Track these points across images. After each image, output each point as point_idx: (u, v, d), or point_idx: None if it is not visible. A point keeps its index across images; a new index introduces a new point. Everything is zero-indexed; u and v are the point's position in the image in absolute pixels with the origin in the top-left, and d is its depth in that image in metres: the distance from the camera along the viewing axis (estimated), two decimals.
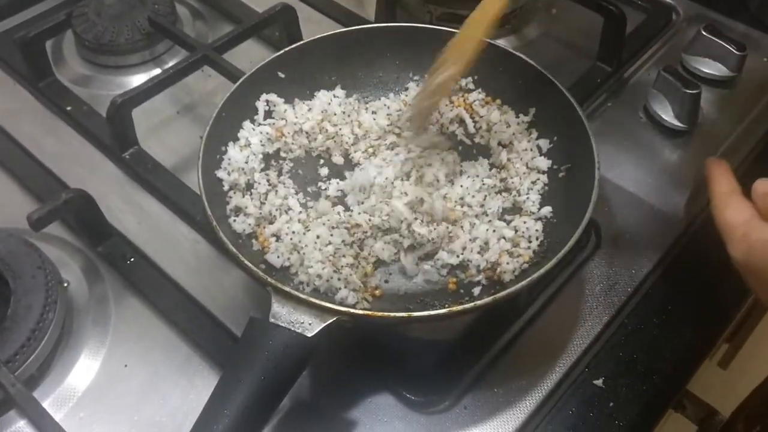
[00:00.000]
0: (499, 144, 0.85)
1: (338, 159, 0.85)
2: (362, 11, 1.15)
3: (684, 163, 0.94)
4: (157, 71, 1.05)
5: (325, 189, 0.82)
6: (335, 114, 0.87)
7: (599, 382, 0.75)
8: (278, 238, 0.76)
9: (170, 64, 1.06)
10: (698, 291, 0.83)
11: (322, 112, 0.87)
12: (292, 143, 0.85)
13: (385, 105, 0.90)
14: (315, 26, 1.10)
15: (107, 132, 0.94)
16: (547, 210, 0.79)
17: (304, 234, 0.75)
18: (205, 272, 0.83)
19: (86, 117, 0.99)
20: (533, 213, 0.79)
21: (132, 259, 0.84)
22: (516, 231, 0.77)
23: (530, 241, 0.76)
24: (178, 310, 0.79)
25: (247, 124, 0.84)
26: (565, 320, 0.79)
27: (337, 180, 0.83)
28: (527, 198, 0.80)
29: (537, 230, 0.77)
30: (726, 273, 0.83)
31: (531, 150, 0.84)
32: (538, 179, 0.82)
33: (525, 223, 0.77)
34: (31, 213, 0.78)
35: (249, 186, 0.80)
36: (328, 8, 1.15)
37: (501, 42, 1.07)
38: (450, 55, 0.79)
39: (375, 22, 1.08)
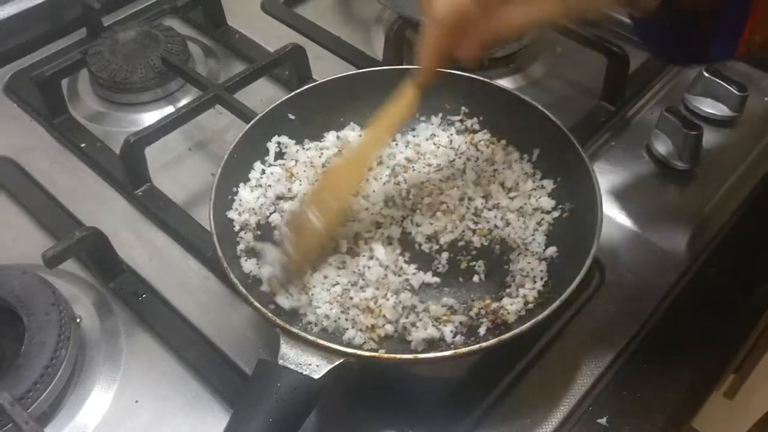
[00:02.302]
0: (502, 185, 0.87)
1: None
2: (370, 50, 1.17)
3: (686, 202, 0.96)
4: (169, 108, 1.07)
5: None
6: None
7: (603, 420, 0.76)
8: None
9: (182, 101, 1.08)
10: (701, 330, 0.83)
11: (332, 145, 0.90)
12: (303, 182, 0.86)
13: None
14: (324, 64, 1.13)
15: (120, 169, 0.96)
16: (552, 250, 0.80)
17: (312, 275, 0.76)
18: (215, 309, 0.84)
19: (100, 154, 1.01)
20: (537, 253, 0.80)
21: (143, 296, 0.85)
22: (521, 271, 0.78)
23: (535, 282, 0.77)
24: (189, 347, 0.81)
25: (257, 165, 0.86)
26: (569, 359, 0.80)
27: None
28: (533, 239, 0.82)
29: (542, 270, 0.78)
30: (729, 312, 0.85)
31: (535, 190, 0.86)
32: (543, 219, 0.84)
33: (529, 263, 0.79)
34: (45, 251, 0.79)
35: (259, 226, 0.82)
36: (337, 47, 1.17)
37: (505, 81, 1.10)
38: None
39: (383, 61, 1.11)
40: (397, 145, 0.92)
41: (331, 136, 0.91)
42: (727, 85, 1.01)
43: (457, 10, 0.67)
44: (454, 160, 0.90)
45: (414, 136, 0.93)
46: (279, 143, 0.88)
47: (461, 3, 0.66)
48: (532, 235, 0.82)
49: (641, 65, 1.13)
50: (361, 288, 0.76)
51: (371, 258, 0.79)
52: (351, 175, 0.81)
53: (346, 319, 0.72)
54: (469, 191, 0.86)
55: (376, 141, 0.81)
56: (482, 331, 0.74)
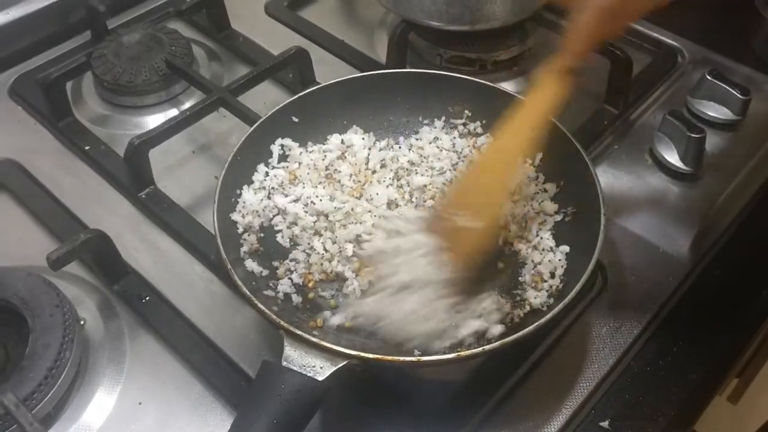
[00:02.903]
0: None
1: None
2: (373, 53, 1.17)
3: (689, 205, 0.96)
4: (173, 111, 1.08)
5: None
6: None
7: (605, 423, 0.76)
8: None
9: (186, 104, 1.08)
10: (704, 333, 0.84)
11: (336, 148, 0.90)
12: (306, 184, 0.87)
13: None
14: (328, 68, 1.13)
15: (124, 172, 0.96)
16: (564, 248, 0.81)
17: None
18: (219, 311, 0.85)
19: (104, 156, 1.01)
20: (551, 249, 0.81)
21: (147, 298, 0.85)
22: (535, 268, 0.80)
23: (553, 277, 0.79)
24: (192, 349, 0.81)
25: (261, 167, 0.86)
26: (572, 362, 0.80)
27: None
28: (540, 239, 0.82)
29: (559, 260, 0.79)
30: (733, 315, 0.85)
31: (538, 194, 0.86)
32: (545, 221, 0.84)
33: (544, 257, 0.80)
34: (50, 253, 0.80)
35: (263, 228, 0.82)
36: (340, 51, 1.17)
37: (508, 84, 1.10)
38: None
39: (386, 65, 1.11)
40: (400, 148, 0.92)
41: (334, 139, 0.91)
42: (730, 89, 1.02)
43: None
44: (457, 163, 0.90)
45: (417, 140, 0.93)
46: (282, 146, 0.89)
47: None
48: (537, 235, 0.82)
49: (644, 68, 1.13)
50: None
51: None
52: (503, 170, 0.80)
53: None
54: None
55: (524, 133, 0.79)
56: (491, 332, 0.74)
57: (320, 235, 0.82)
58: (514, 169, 0.82)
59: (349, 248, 0.80)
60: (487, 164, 0.82)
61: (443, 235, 0.76)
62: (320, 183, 0.87)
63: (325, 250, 0.81)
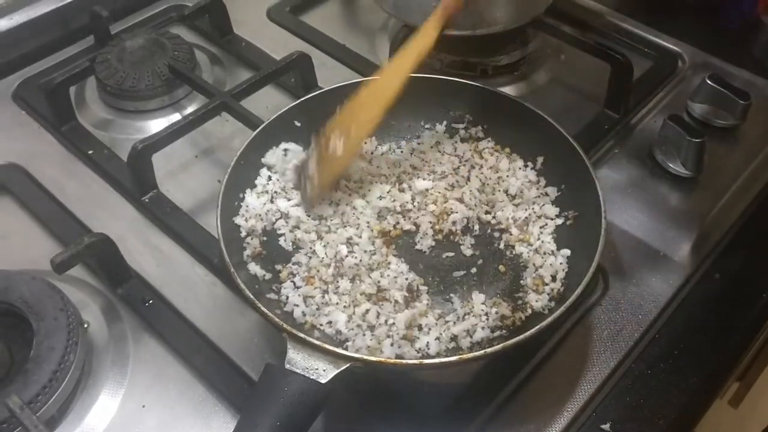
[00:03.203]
0: (506, 193, 0.88)
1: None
2: (375, 58, 1.18)
3: (690, 209, 0.96)
4: (176, 116, 1.08)
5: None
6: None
7: (606, 426, 0.76)
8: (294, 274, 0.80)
9: (189, 109, 1.09)
10: (705, 336, 0.84)
11: None
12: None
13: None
14: (330, 72, 1.13)
15: (127, 176, 0.97)
16: (565, 252, 0.81)
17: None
18: (222, 315, 0.85)
19: (107, 160, 1.01)
20: (553, 252, 0.81)
21: (150, 301, 0.86)
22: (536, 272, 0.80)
23: (554, 280, 0.79)
24: (195, 352, 0.81)
25: (264, 171, 0.87)
26: (573, 365, 0.81)
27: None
28: (541, 243, 0.82)
29: (561, 263, 0.80)
30: (733, 318, 0.85)
31: (539, 198, 0.86)
32: (546, 224, 0.84)
33: (545, 261, 0.80)
34: (54, 257, 0.80)
35: (266, 232, 0.83)
36: (342, 55, 1.18)
37: (509, 89, 1.10)
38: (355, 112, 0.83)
39: None
40: (402, 152, 0.93)
41: None
42: (730, 93, 1.02)
43: None
44: (458, 167, 0.90)
45: (419, 144, 0.93)
46: (286, 150, 0.89)
47: None
48: (539, 239, 0.83)
49: (645, 73, 1.14)
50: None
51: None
52: (372, 108, 0.83)
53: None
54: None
55: (398, 74, 0.84)
56: (489, 335, 0.75)
57: (321, 239, 0.82)
58: (381, 108, 0.84)
59: (344, 249, 0.81)
60: (363, 98, 0.85)
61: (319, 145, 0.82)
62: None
63: (326, 254, 0.81)
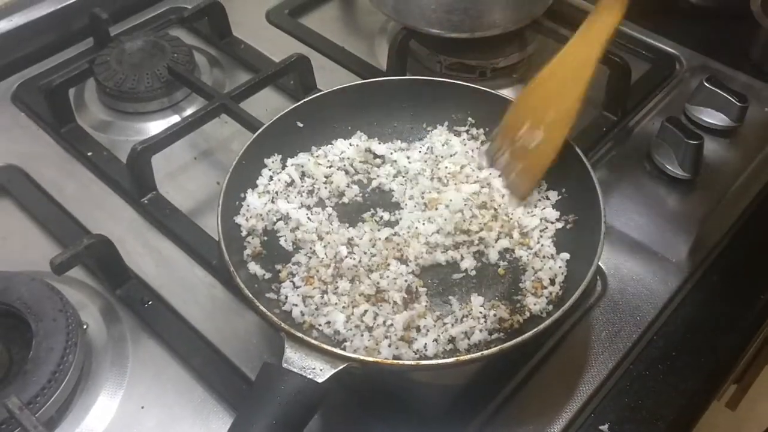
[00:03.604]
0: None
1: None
2: (374, 60, 1.18)
3: (688, 211, 0.96)
4: (175, 118, 1.09)
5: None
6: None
7: (605, 428, 0.76)
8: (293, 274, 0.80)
9: (188, 110, 1.09)
10: (702, 337, 0.84)
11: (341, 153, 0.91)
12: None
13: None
14: (329, 75, 1.14)
15: (127, 177, 0.97)
16: (564, 255, 0.81)
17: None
18: (220, 316, 0.85)
19: (106, 162, 1.02)
20: (552, 256, 0.82)
21: (149, 302, 0.86)
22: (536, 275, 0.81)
23: (553, 283, 0.79)
24: (194, 353, 0.81)
25: (265, 171, 0.87)
26: (571, 366, 0.81)
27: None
28: (541, 246, 0.82)
29: (560, 267, 0.80)
30: (731, 320, 0.86)
31: (540, 201, 0.87)
32: (547, 228, 0.85)
33: (545, 264, 0.80)
34: (53, 258, 0.80)
35: (266, 232, 0.83)
36: (341, 57, 1.18)
37: (508, 91, 1.10)
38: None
39: (386, 71, 1.12)
40: (405, 153, 0.93)
41: (339, 144, 0.92)
42: (727, 96, 1.02)
43: None
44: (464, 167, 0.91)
45: (422, 146, 0.93)
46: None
47: None
48: (538, 242, 0.83)
49: (642, 76, 1.14)
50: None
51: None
52: (570, 92, 0.82)
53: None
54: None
55: (589, 53, 0.82)
56: (485, 337, 0.75)
57: (321, 239, 0.83)
58: (582, 92, 0.82)
59: (343, 250, 0.81)
60: (552, 86, 0.83)
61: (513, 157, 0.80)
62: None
63: (326, 254, 0.81)
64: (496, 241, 0.83)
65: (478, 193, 0.87)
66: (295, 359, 0.67)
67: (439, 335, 0.74)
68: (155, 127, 1.07)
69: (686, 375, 0.81)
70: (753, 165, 1.02)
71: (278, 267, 0.81)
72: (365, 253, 0.81)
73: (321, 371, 0.66)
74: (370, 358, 0.69)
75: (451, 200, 0.84)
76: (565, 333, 0.83)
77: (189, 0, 1.25)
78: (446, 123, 0.95)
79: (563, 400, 0.78)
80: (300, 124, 0.90)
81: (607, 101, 1.07)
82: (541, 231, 0.84)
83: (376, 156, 0.92)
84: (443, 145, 0.92)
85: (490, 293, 0.81)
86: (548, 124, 0.81)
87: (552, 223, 0.85)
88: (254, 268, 0.79)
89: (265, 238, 0.83)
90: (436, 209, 0.84)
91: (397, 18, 1.12)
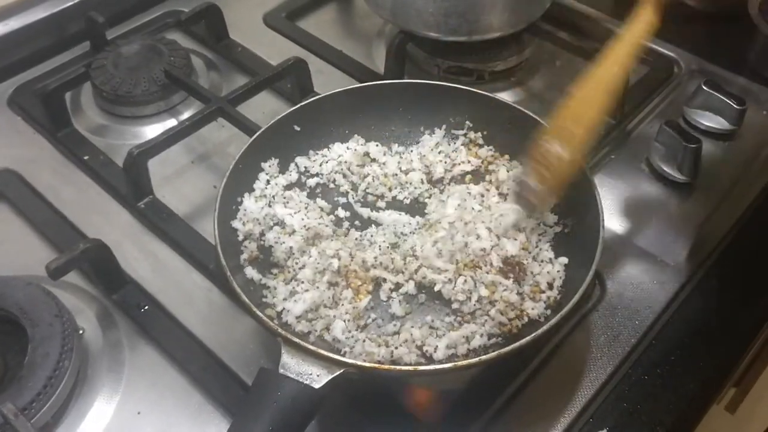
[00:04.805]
0: (506, 200, 0.88)
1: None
2: (372, 64, 1.18)
3: (686, 214, 0.96)
4: (172, 121, 1.08)
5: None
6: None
7: None
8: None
9: (185, 114, 1.09)
10: (701, 342, 0.84)
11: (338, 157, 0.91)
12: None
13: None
14: (326, 78, 1.14)
15: (123, 182, 0.97)
16: (563, 260, 0.81)
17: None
18: (217, 320, 0.85)
19: (103, 166, 1.01)
20: (550, 260, 0.81)
21: (146, 307, 0.85)
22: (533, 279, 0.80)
23: (551, 288, 0.79)
24: (191, 358, 0.81)
25: (262, 175, 0.87)
26: (570, 371, 0.81)
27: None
28: (539, 250, 0.82)
29: (558, 271, 0.80)
30: (730, 323, 0.85)
31: None
32: (545, 232, 0.84)
33: (543, 268, 0.80)
34: (49, 263, 0.80)
35: (263, 236, 0.83)
36: (338, 61, 1.18)
37: (506, 95, 1.10)
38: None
39: (384, 75, 1.12)
40: (401, 156, 0.93)
41: (336, 147, 0.92)
42: (725, 99, 1.02)
43: None
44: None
45: (420, 149, 0.93)
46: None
47: None
48: (537, 246, 0.83)
49: (641, 79, 1.14)
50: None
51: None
52: (592, 106, 0.81)
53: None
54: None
55: (618, 64, 0.82)
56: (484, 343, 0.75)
57: (318, 244, 0.82)
58: (604, 105, 0.82)
59: (335, 263, 0.80)
60: (581, 96, 0.83)
61: (542, 163, 0.79)
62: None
63: (322, 260, 0.81)
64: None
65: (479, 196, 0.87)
66: (292, 364, 0.66)
67: (437, 339, 0.74)
68: (152, 131, 1.06)
69: (685, 379, 0.81)
70: (751, 168, 1.02)
71: (275, 271, 0.81)
72: (362, 260, 0.81)
73: (318, 377, 0.66)
74: (367, 364, 0.69)
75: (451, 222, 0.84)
76: (563, 337, 0.83)
77: (186, 3, 1.25)
78: (444, 126, 0.94)
79: (562, 404, 0.77)
80: (297, 128, 0.90)
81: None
82: (539, 235, 0.84)
83: (373, 160, 0.92)
84: (432, 151, 0.92)
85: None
86: (576, 143, 0.81)
87: (550, 227, 0.85)
88: (251, 272, 0.79)
89: (262, 242, 0.83)
90: (437, 231, 0.84)
91: (394, 21, 1.12)
